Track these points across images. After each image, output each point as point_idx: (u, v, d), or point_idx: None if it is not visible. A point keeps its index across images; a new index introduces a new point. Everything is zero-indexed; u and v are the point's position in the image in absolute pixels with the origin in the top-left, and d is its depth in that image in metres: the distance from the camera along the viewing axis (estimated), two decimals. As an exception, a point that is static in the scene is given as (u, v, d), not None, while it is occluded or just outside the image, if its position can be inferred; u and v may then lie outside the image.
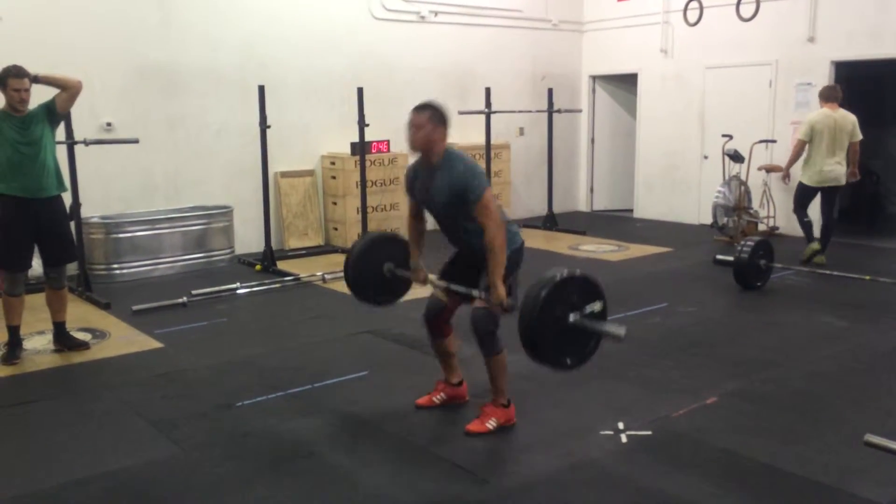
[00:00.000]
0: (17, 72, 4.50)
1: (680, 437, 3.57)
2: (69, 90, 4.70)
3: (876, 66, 8.40)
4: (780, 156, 8.34)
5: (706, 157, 9.53)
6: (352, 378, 4.39)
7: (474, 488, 3.14)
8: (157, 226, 7.14)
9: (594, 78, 10.90)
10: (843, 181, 7.07)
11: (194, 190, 7.69)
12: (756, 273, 6.28)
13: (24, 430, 3.78)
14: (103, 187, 7.07)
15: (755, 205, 8.72)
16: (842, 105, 7.05)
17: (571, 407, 3.94)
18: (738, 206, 8.40)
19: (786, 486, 3.12)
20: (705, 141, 9.55)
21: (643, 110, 10.32)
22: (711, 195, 8.59)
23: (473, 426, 3.60)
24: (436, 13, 9.23)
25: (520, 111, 9.64)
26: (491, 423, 3.60)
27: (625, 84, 10.68)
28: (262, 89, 7.01)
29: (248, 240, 7.92)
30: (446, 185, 3.48)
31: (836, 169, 7.00)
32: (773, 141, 8.71)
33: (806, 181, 7.15)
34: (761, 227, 8.63)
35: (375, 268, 3.88)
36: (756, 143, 8.62)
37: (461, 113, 8.10)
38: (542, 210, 9.82)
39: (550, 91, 9.46)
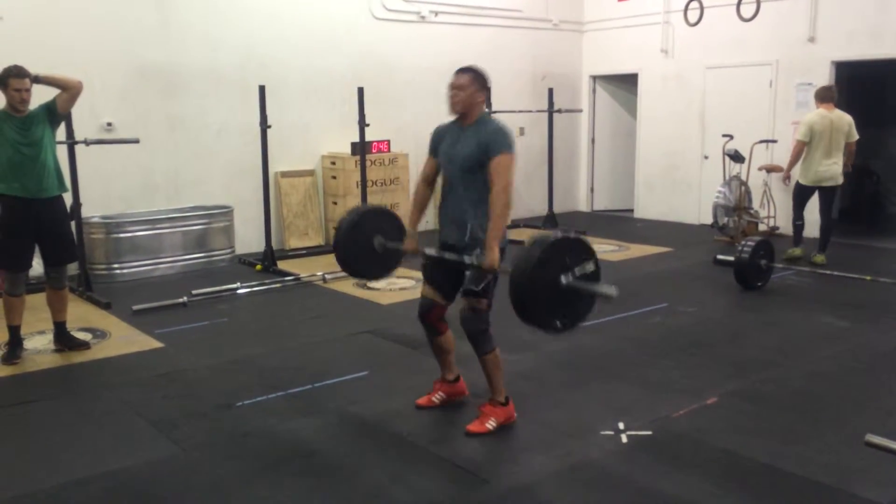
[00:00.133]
0: (17, 72, 4.50)
1: (680, 437, 3.57)
2: (70, 90, 4.70)
3: (876, 66, 8.40)
4: (781, 156, 8.35)
5: (706, 158, 9.53)
6: (352, 378, 4.39)
7: (474, 488, 3.14)
8: (158, 226, 7.15)
9: (594, 78, 10.89)
10: (840, 181, 7.09)
11: (195, 190, 7.69)
12: (756, 273, 6.29)
13: (24, 430, 3.78)
14: (104, 187, 7.07)
15: (755, 205, 8.72)
16: (841, 105, 7.06)
17: (571, 407, 3.94)
18: (738, 207, 8.40)
19: (786, 487, 3.12)
20: (706, 141, 9.55)
21: (643, 110, 10.32)
22: (712, 195, 8.58)
23: (473, 427, 3.59)
24: (436, 13, 9.24)
25: (520, 111, 9.63)
26: (491, 424, 3.60)
27: (625, 84, 10.68)
28: (262, 89, 7.02)
29: (249, 240, 7.92)
30: (475, 138, 3.48)
31: (832, 168, 7.02)
32: (774, 141, 8.70)
33: (802, 180, 7.19)
34: (762, 228, 8.63)
35: (366, 241, 3.87)
36: (756, 143, 8.62)
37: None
38: (542, 210, 9.82)
39: (551, 91, 9.46)
